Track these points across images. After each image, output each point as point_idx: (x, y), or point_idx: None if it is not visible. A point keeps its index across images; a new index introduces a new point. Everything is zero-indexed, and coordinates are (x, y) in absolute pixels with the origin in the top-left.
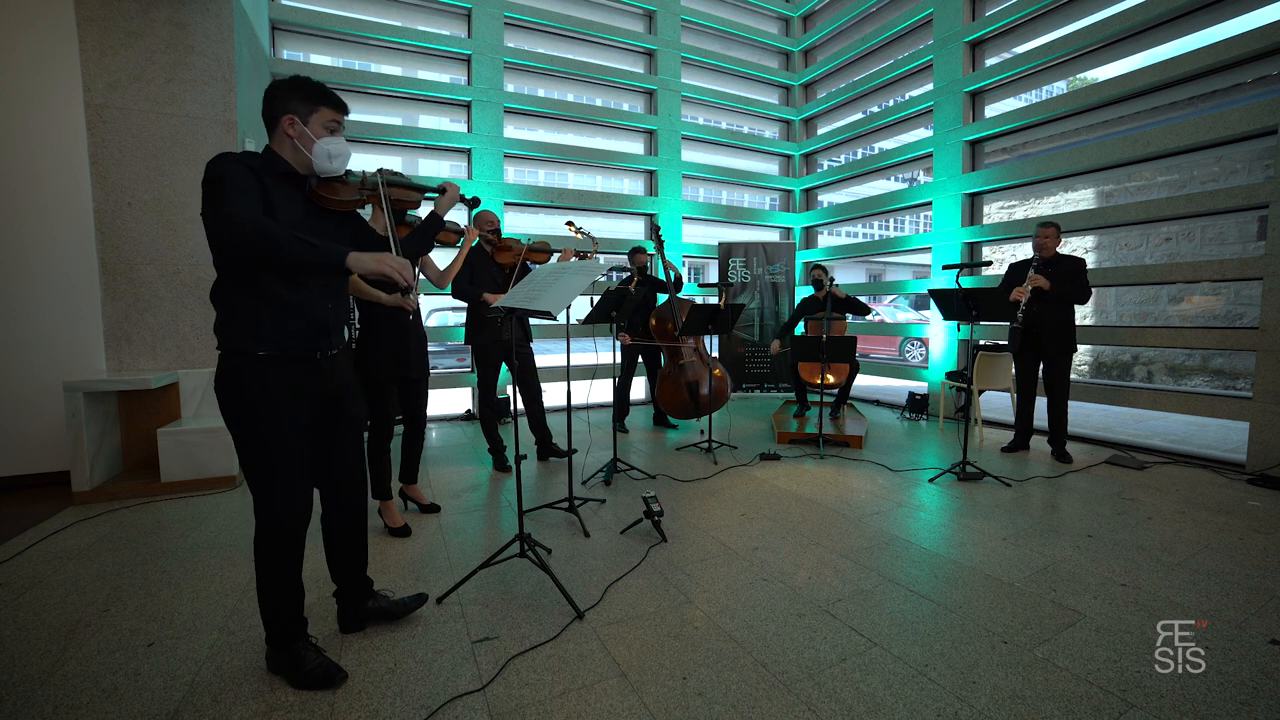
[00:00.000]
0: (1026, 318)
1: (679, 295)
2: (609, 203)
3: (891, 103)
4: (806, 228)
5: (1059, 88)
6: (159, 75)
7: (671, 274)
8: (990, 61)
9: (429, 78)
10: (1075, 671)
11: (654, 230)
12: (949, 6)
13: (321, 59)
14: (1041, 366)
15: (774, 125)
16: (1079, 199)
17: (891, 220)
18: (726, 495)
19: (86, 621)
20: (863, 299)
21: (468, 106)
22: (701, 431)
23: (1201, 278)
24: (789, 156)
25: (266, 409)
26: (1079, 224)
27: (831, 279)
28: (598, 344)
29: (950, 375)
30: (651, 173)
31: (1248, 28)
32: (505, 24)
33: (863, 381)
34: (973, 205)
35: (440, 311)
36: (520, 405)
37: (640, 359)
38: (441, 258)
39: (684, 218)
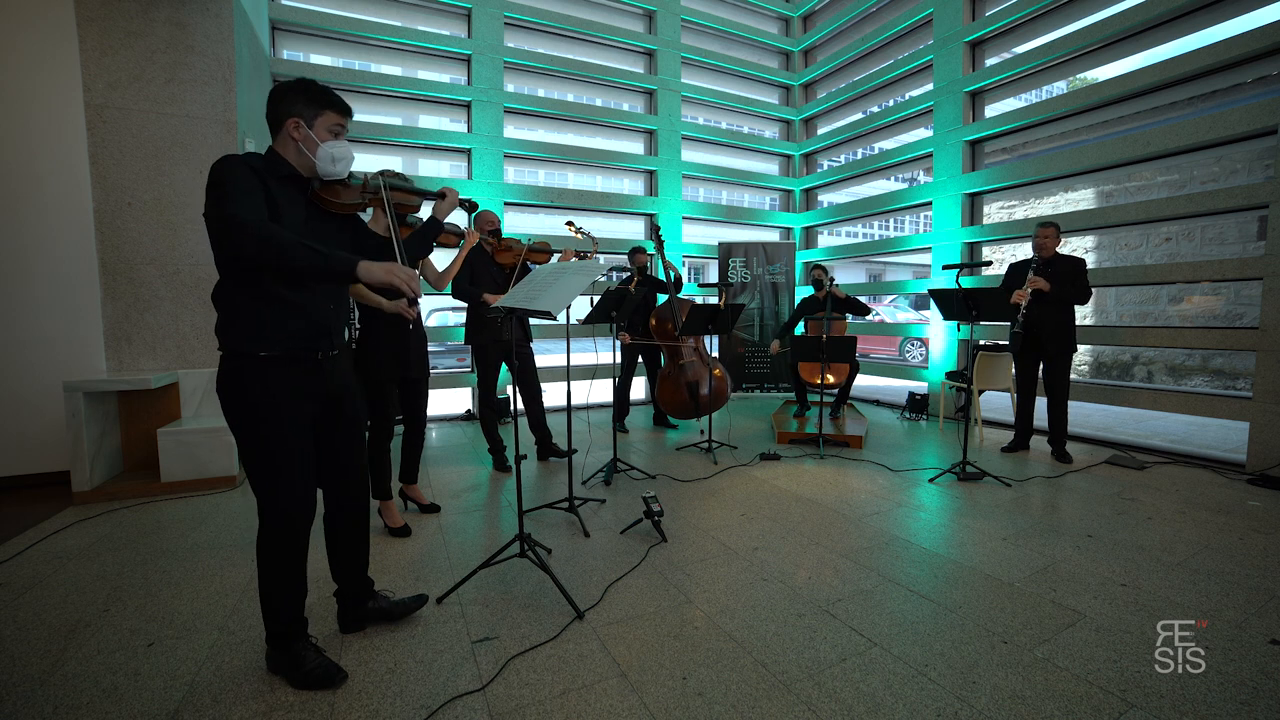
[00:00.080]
0: (1026, 319)
1: (679, 295)
2: (609, 203)
3: (891, 103)
4: (806, 228)
5: (1059, 88)
6: (159, 75)
7: (671, 274)
8: (990, 61)
9: (429, 78)
10: (1075, 671)
11: (654, 230)
12: (949, 6)
13: (321, 59)
14: (1041, 366)
15: (774, 125)
16: (1079, 199)
17: (891, 220)
18: (726, 495)
19: (86, 621)
20: (863, 299)
21: (468, 106)
22: (701, 431)
23: (1201, 278)
24: (789, 156)
25: (268, 409)
26: (1079, 224)
27: (831, 279)
28: (598, 344)
29: (950, 375)
30: (651, 173)
31: (1247, 28)
32: (505, 24)
33: (863, 381)
34: (973, 205)
35: (440, 311)
36: (520, 405)
37: (640, 359)
38: (440, 259)
39: (684, 218)
